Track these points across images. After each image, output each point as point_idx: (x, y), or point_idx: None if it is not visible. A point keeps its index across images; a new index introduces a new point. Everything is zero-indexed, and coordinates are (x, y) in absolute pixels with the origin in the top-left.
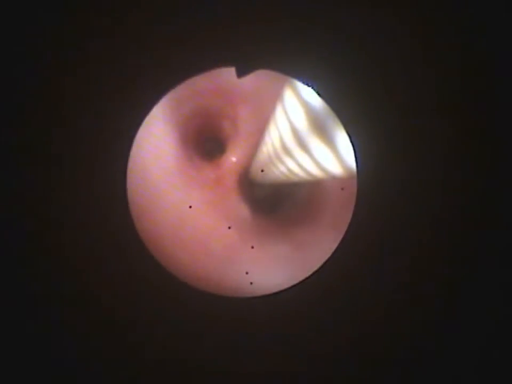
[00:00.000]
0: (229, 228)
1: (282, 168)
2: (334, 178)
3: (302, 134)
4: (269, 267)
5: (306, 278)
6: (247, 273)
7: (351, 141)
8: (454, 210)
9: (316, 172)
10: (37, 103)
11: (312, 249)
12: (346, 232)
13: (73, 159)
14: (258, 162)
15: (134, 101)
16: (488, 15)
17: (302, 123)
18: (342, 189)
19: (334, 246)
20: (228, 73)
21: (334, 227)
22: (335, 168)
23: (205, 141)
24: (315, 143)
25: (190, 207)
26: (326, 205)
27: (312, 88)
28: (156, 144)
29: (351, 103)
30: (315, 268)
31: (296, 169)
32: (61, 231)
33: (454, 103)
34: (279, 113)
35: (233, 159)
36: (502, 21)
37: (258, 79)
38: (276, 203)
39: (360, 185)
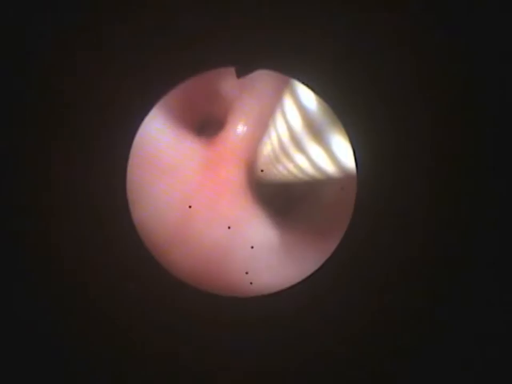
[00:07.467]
0: (229, 227)
1: (282, 169)
2: (333, 179)
3: (302, 135)
4: (269, 267)
5: (306, 278)
6: (247, 273)
7: (351, 143)
8: (454, 209)
9: (315, 172)
10: (37, 103)
11: (311, 249)
12: (346, 232)
13: (73, 160)
14: (258, 163)
15: (134, 102)
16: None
17: (302, 124)
18: (342, 188)
19: (333, 246)
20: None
21: (333, 227)
22: (335, 169)
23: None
24: (314, 144)
25: (190, 207)
26: (325, 205)
27: (312, 89)
28: (155, 144)
29: (351, 105)
30: (315, 268)
31: (295, 170)
32: (61, 231)
33: (453, 103)
34: (278, 114)
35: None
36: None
37: (257, 79)
38: (276, 203)
39: (360, 185)
